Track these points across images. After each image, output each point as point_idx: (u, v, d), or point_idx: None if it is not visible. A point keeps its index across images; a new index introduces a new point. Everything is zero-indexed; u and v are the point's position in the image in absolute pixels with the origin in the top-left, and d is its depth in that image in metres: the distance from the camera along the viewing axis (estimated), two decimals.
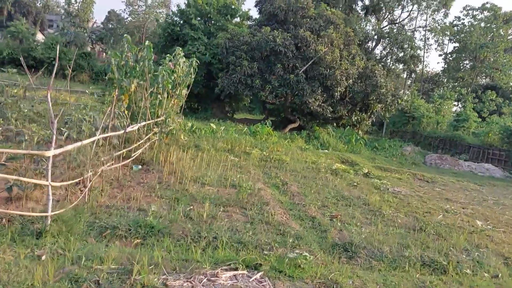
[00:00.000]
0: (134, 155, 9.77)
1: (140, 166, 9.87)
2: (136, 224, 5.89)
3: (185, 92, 12.77)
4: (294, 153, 16.72)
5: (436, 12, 48.67)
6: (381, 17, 50.92)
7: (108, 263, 4.61)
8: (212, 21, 28.05)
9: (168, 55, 12.04)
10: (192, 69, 12.28)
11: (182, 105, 15.65)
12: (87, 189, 6.49)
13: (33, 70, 47.78)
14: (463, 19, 46.96)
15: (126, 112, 10.72)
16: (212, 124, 18.51)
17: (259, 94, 23.45)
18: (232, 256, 5.31)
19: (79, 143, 5.93)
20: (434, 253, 6.84)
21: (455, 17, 50.76)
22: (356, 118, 27.65)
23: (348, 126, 27.51)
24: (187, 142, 14.24)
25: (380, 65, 27.84)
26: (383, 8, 50.25)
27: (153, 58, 10.62)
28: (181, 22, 28.08)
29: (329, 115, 24.46)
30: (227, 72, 23.81)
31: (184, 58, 12.39)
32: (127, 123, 8.67)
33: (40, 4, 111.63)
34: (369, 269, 6.05)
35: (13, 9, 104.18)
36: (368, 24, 50.74)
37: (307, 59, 23.52)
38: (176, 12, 28.45)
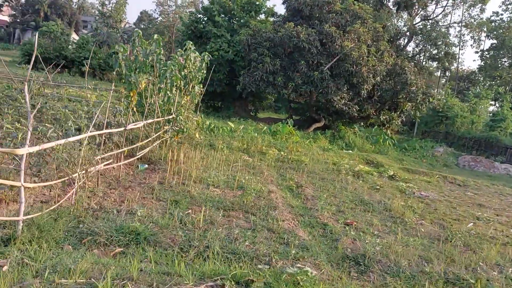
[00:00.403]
0: (139, 154, 9.29)
1: (146, 166, 9.38)
2: (121, 230, 5.34)
3: (198, 88, 12.19)
4: (315, 154, 15.92)
5: (472, 7, 46.48)
6: (413, 12, 49.03)
7: (75, 276, 4.05)
8: (236, 18, 27.52)
9: (180, 49, 11.53)
10: (204, 64, 11.69)
11: (198, 102, 15.18)
12: (73, 190, 5.99)
13: (64, 69, 48.82)
14: (502, 14, 44.64)
15: (135, 109, 10.31)
16: (230, 123, 17.94)
17: (282, 92, 22.71)
18: (221, 270, 4.66)
19: (62, 141, 5.43)
20: (460, 269, 5.96)
21: (493, 12, 48.22)
22: (384, 117, 26.46)
23: (376, 126, 26.36)
24: (202, 141, 13.72)
25: (410, 63, 26.47)
26: (416, 3, 48.34)
27: (161, 53, 10.10)
28: (205, 19, 27.70)
29: (355, 114, 23.44)
30: (249, 69, 23.21)
31: (196, 52, 11.82)
32: (128, 120, 8.16)
33: (75, 5, 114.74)
34: (382, 286, 5.27)
35: (49, 10, 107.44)
36: (400, 20, 49.02)
37: (332, 56, 22.60)
38: (199, 9, 28.10)
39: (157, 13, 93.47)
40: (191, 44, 11.27)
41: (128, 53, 9.94)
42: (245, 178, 9.61)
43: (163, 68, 9.79)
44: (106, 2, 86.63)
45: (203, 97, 30.07)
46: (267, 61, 22.13)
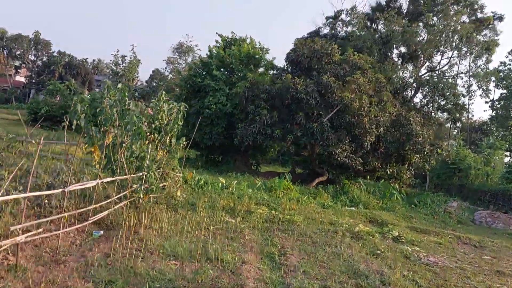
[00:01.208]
0: (93, 218, 8.02)
1: (101, 232, 8.07)
2: None
3: (175, 142, 11.09)
4: (311, 212, 14.45)
5: (478, 58, 46.09)
6: (419, 64, 48.81)
7: None
8: (235, 72, 27.16)
9: (153, 100, 10.59)
10: (180, 116, 10.67)
11: (182, 157, 14.12)
12: None
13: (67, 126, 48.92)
14: (510, 64, 44.03)
15: (97, 166, 9.20)
16: (221, 178, 16.69)
17: (281, 144, 21.63)
18: None
19: None
20: None
21: (500, 62, 47.66)
22: (391, 170, 25.01)
23: (383, 179, 24.89)
24: (183, 200, 12.44)
25: (415, 113, 25.37)
26: (421, 55, 48.19)
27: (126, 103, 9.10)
28: (203, 73, 27.40)
29: (359, 167, 22.08)
30: (246, 122, 22.35)
31: (173, 103, 10.87)
32: (70, 179, 6.99)
33: (90, 66, 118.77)
34: None
35: (63, 71, 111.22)
36: (405, 71, 48.78)
37: (332, 107, 21.70)
38: (198, 63, 27.93)
39: (167, 71, 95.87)
40: (164, 95, 10.32)
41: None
42: (217, 245, 8.22)
43: (126, 121, 8.75)
44: (120, 62, 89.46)
45: (202, 152, 29.38)
46: (264, 114, 21.29)
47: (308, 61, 24.26)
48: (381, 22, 48.41)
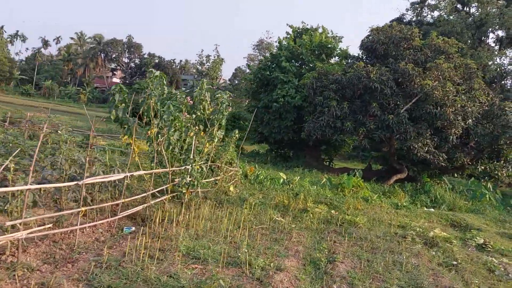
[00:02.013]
0: (123, 213, 7.54)
1: (133, 228, 7.57)
2: None
3: (221, 133, 10.34)
4: (380, 213, 12.89)
5: None
6: None
7: None
8: (305, 63, 25.92)
9: (197, 89, 9.91)
10: (225, 106, 9.88)
11: (235, 150, 13.41)
12: None
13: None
14: None
15: (136, 158, 8.78)
16: (282, 174, 15.68)
17: (352, 138, 20.02)
18: None
19: None
20: None
21: None
22: (484, 167, 22.02)
23: (473, 177, 22.03)
24: (235, 196, 11.70)
25: (509, 102, 22.02)
26: None
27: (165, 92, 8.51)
28: (273, 66, 26.55)
29: (443, 164, 19.63)
30: (314, 114, 21.05)
31: (211, 91, 10.12)
32: (97, 171, 6.52)
33: (178, 66, 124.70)
34: None
35: (153, 71, 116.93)
36: (503, 58, 43.57)
37: (410, 96, 19.54)
38: (268, 56, 27.14)
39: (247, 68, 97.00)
40: (205, 83, 9.59)
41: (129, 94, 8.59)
42: (254, 247, 7.30)
43: (162, 110, 8.16)
44: (204, 61, 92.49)
45: (271, 147, 28.57)
46: (333, 105, 19.81)
47: (385, 48, 22.19)
48: (473, 4, 43.81)
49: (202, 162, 10.41)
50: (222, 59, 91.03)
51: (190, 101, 9.27)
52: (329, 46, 25.75)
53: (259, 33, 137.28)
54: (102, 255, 6.03)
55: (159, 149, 8.96)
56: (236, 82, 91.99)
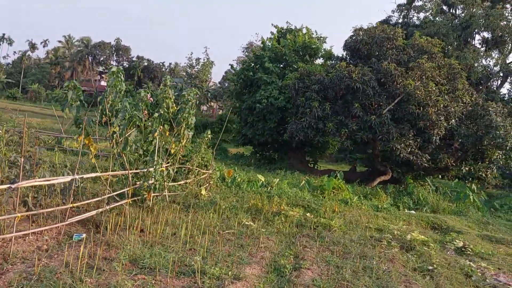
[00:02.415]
0: (71, 219, 7.00)
1: (83, 235, 7.04)
2: None
3: (187, 133, 9.83)
4: (358, 216, 12.47)
5: None
6: (506, 50, 43.47)
7: None
8: (289, 63, 25.54)
9: (161, 87, 9.42)
10: (190, 104, 9.38)
11: (212, 152, 12.94)
12: None
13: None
14: None
15: (93, 160, 8.26)
16: (260, 176, 15.22)
17: (334, 139, 19.64)
18: None
19: None
20: None
21: None
22: (468, 168, 21.77)
23: (458, 179, 21.78)
24: (207, 200, 11.21)
25: (496, 102, 21.82)
26: (509, 40, 42.88)
27: (122, 89, 7.99)
28: (256, 66, 26.14)
29: (426, 165, 19.32)
30: (296, 115, 20.64)
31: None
32: (16, 172, 5.96)
33: (167, 69, 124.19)
34: None
35: (142, 74, 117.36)
36: (489, 59, 43.66)
37: (393, 97, 19.23)
38: (252, 57, 26.71)
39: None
40: (169, 80, 9.11)
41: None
42: (214, 255, 6.83)
43: (116, 108, 7.65)
44: (194, 64, 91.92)
45: (256, 149, 28.12)
46: (315, 106, 19.41)
47: (368, 48, 21.91)
48: (459, 6, 43.92)
49: (169, 164, 9.91)
50: (212, 62, 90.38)
51: (151, 99, 8.78)
52: (313, 46, 25.41)
53: (250, 35, 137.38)
54: (36, 266, 5.50)
55: (119, 150, 8.45)
56: (226, 84, 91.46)
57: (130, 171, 8.40)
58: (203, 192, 11.33)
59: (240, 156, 27.32)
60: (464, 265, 8.62)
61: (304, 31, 26.67)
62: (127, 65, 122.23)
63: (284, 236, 9.15)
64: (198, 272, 5.75)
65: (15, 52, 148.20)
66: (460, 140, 20.56)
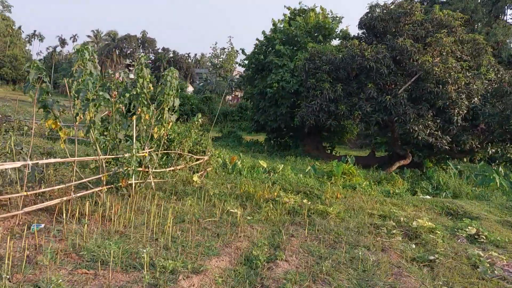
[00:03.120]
0: (26, 209, 6.51)
1: (42, 225, 6.55)
2: None
3: (170, 116, 9.16)
4: (366, 201, 11.59)
5: None
6: None
7: None
8: (301, 45, 24.47)
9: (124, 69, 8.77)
10: (169, 84, 8.69)
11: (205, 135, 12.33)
12: None
13: None
14: None
15: (62, 145, 7.77)
16: (261, 162, 14.47)
17: (347, 122, 18.61)
18: None
19: None
20: None
21: None
22: (494, 150, 20.28)
23: (483, 162, 20.34)
24: (200, 186, 10.61)
25: None
26: None
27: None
28: (268, 50, 25.21)
29: (447, 147, 18.03)
30: (307, 98, 19.69)
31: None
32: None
33: (192, 60, 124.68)
34: None
35: (167, 66, 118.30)
36: None
37: (410, 75, 17.97)
38: (263, 40, 25.76)
39: None
40: (144, 57, 8.45)
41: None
42: (184, 245, 6.21)
43: (79, 87, 7.08)
44: (219, 54, 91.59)
45: (269, 135, 27.32)
46: (325, 87, 18.39)
47: (384, 25, 20.60)
48: None
49: (152, 149, 9.33)
50: (237, 51, 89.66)
51: (120, 78, 8.16)
52: (327, 26, 24.21)
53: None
54: None
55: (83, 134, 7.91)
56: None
57: (103, 157, 7.84)
58: (195, 178, 10.71)
59: (253, 143, 26.61)
60: (473, 255, 7.65)
61: (318, 10, 25.50)
62: (153, 57, 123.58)
63: (272, 224, 8.42)
64: (146, 265, 5.13)
65: (48, 48, 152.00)
66: (485, 120, 19.09)
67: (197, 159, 11.74)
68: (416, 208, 11.92)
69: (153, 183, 9.56)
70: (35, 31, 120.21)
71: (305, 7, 26.00)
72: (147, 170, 9.26)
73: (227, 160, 14.40)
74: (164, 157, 10.73)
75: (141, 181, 9.12)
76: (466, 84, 17.55)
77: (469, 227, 9.64)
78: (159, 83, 8.80)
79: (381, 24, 20.62)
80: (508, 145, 20.64)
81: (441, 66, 17.13)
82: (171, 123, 9.57)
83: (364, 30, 22.47)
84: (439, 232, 8.98)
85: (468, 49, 20.25)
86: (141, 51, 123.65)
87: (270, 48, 24.82)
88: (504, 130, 19.65)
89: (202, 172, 11.91)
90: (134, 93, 8.07)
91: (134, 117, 8.65)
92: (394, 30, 20.21)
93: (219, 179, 12.32)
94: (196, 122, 10.87)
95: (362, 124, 18.38)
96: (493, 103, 19.16)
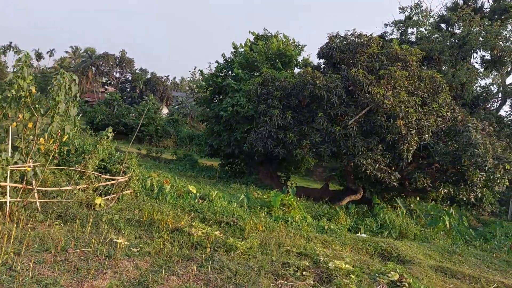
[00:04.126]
0: None
1: None
2: None
3: (58, 126, 7.99)
4: (291, 237, 10.55)
5: None
6: (505, 71, 41.65)
7: None
8: (260, 70, 23.86)
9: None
10: (56, 89, 7.58)
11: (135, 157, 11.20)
12: None
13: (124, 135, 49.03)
14: None
15: None
16: (191, 187, 13.32)
17: (295, 152, 17.76)
18: None
19: None
20: None
21: None
22: (446, 190, 19.65)
23: (434, 202, 19.71)
24: (101, 210, 9.37)
25: (483, 121, 19.71)
26: (508, 61, 41.09)
27: None
28: (228, 72, 24.51)
29: (395, 184, 17.31)
30: (257, 124, 18.85)
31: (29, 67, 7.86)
32: None
33: (170, 83, 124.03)
34: None
35: (144, 87, 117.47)
36: (486, 79, 41.87)
37: (361, 107, 17.39)
38: (222, 62, 25.08)
39: None
40: (26, 56, 7.36)
41: None
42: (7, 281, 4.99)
43: None
44: (198, 78, 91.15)
45: (223, 161, 26.28)
46: (275, 114, 17.60)
47: (341, 55, 20.19)
48: (457, 24, 42.31)
49: (39, 163, 8.12)
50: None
51: None
52: (288, 54, 23.75)
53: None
54: None
55: None
56: None
57: None
58: (98, 201, 9.48)
59: (207, 169, 25.46)
60: None
61: (281, 37, 25.08)
62: (130, 77, 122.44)
63: (161, 259, 7.24)
64: None
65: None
66: (437, 159, 18.54)
67: (109, 179, 10.53)
68: (348, 246, 10.96)
69: (38, 203, 8.31)
70: (11, 42, 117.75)
71: (268, 34, 25.60)
72: (30, 187, 8.03)
73: (154, 183, 13.20)
74: (59, 174, 9.49)
75: (19, 199, 7.87)
76: (418, 119, 17.05)
77: (392, 272, 8.67)
78: (48, 88, 7.71)
79: (339, 55, 20.20)
80: (462, 186, 20.10)
81: (392, 99, 16.62)
82: (66, 135, 8.43)
83: (324, 60, 22.06)
84: (353, 276, 7.97)
85: (425, 86, 19.96)
86: (118, 70, 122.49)
87: (229, 71, 24.15)
88: (457, 170, 19.15)
89: (115, 195, 10.68)
90: (9, 95, 6.93)
91: (14, 124, 7.49)
92: (351, 61, 19.79)
93: (135, 204, 11.11)
94: (105, 137, 9.75)
95: (311, 154, 17.56)
96: (446, 142, 18.72)
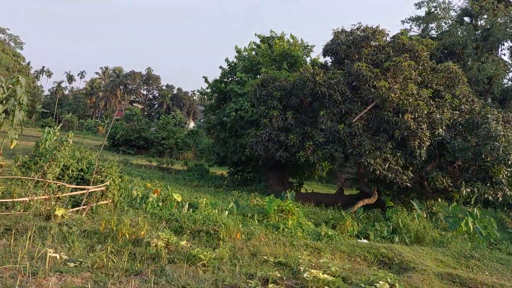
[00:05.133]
0: None
1: None
2: None
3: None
4: (276, 245, 9.47)
5: None
6: None
7: None
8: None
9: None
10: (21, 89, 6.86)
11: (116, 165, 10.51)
12: None
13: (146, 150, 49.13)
14: None
15: None
16: (175, 195, 12.42)
17: (298, 154, 16.60)
18: None
19: None
20: None
21: None
22: (469, 189, 17.91)
23: (455, 202, 18.03)
24: (61, 221, 8.63)
25: (500, 110, 17.98)
26: None
27: None
28: (232, 77, 23.73)
29: (408, 184, 15.84)
30: (258, 127, 17.87)
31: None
32: None
33: (197, 97, 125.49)
34: None
35: (170, 102, 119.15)
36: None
37: (367, 103, 16.12)
38: (226, 67, 24.32)
39: None
40: None
41: None
42: None
43: None
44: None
45: (231, 169, 25.32)
46: (274, 115, 16.58)
47: (346, 51, 19.00)
48: (482, 15, 40.13)
49: None
50: None
51: None
52: (293, 54, 22.73)
53: None
54: None
55: None
56: None
57: None
58: (59, 213, 8.75)
59: (215, 178, 24.60)
60: None
61: (288, 38, 24.12)
62: (157, 94, 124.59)
63: (101, 275, 6.35)
64: None
65: (53, 83, 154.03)
66: (455, 155, 16.93)
67: (78, 189, 9.82)
68: (339, 254, 9.75)
69: None
70: (43, 67, 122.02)
71: (275, 35, 24.70)
72: None
73: (139, 193, 12.42)
74: (10, 184, 8.83)
75: None
76: (429, 113, 15.60)
77: (381, 282, 7.43)
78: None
79: (344, 50, 19.02)
80: (488, 184, 18.30)
81: (399, 92, 15.28)
82: (14, 142, 7.76)
83: (329, 58, 20.91)
84: (332, 287, 6.82)
85: (440, 78, 18.48)
86: (145, 87, 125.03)
87: (233, 76, 23.38)
88: (479, 167, 17.45)
89: (86, 206, 9.94)
90: None
91: None
92: (356, 56, 18.56)
93: (108, 215, 10.32)
94: (65, 143, 9.05)
95: (315, 156, 16.36)
96: (465, 136, 17.12)
